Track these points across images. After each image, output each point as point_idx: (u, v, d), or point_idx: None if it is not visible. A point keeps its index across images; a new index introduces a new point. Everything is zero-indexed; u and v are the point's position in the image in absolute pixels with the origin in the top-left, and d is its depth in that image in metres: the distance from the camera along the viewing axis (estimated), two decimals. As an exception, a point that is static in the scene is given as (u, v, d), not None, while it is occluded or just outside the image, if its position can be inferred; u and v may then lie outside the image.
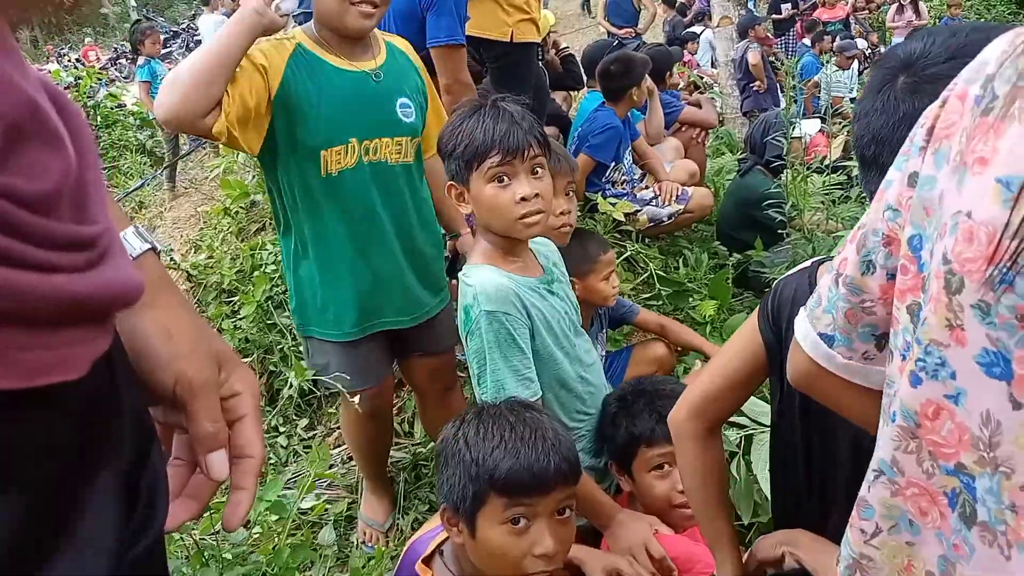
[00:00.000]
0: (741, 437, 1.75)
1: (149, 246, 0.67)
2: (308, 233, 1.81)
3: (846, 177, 3.85)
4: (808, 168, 3.62)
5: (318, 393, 2.57)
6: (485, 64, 3.38)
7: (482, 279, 1.49)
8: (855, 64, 8.11)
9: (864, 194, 3.14)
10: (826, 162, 3.92)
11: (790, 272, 1.18)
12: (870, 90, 0.97)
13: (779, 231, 3.23)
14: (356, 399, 1.85)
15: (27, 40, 28.04)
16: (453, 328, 2.17)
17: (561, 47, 4.08)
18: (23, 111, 0.43)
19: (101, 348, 0.49)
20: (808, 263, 1.16)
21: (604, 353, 2.44)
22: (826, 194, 3.53)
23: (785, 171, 3.44)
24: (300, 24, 3.24)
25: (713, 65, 8.82)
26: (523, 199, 1.46)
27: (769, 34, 8.94)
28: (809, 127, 3.98)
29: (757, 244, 3.28)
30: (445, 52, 2.37)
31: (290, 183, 1.78)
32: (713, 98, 6.90)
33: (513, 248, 1.58)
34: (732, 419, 1.62)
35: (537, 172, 1.51)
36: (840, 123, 5.04)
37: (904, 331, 0.66)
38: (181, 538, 1.57)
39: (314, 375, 1.91)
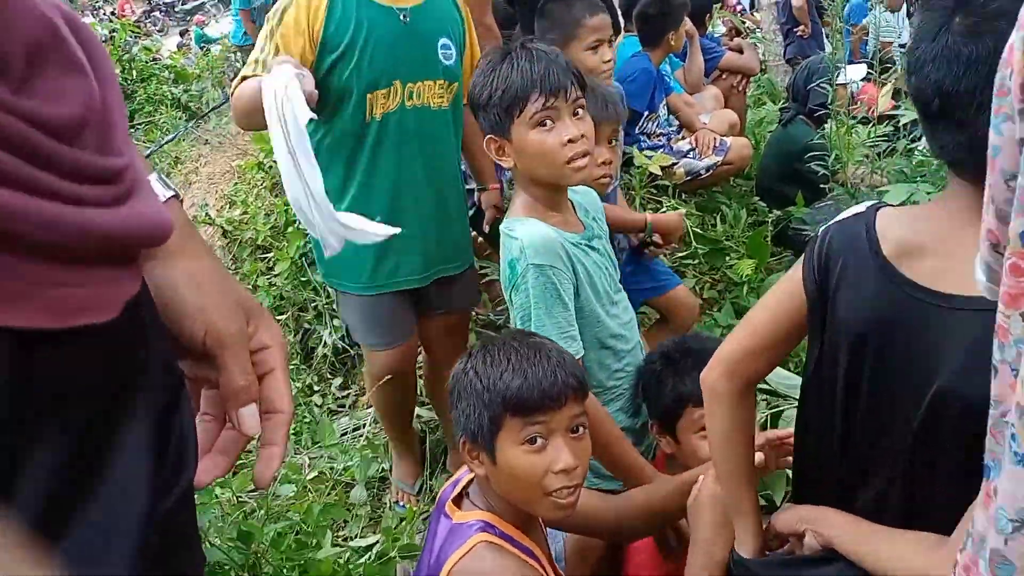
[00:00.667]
0: (767, 415, 1.71)
1: (172, 193, 0.65)
2: (344, 178, 1.79)
3: (893, 128, 3.70)
4: (854, 118, 3.48)
5: (351, 352, 2.59)
6: (516, 6, 3.29)
7: (529, 231, 1.46)
8: (904, 5, 7.76)
9: (912, 147, 3.01)
10: (874, 112, 3.76)
11: (840, 218, 1.09)
12: (923, 35, 0.90)
13: (821, 185, 3.13)
14: (379, 356, 1.86)
15: (63, -8, 28.27)
16: (473, 288, 2.16)
17: None
18: (43, 31, 0.41)
19: (131, 291, 0.48)
20: (862, 207, 1.07)
21: None
22: (872, 146, 3.40)
23: (829, 121, 3.31)
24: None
25: (754, 8, 8.52)
26: (570, 141, 1.42)
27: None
28: (855, 73, 3.80)
29: (798, 200, 3.18)
30: None
31: (330, 126, 1.76)
32: (755, 43, 6.67)
33: (556, 201, 1.54)
34: (759, 389, 1.58)
35: (579, 113, 1.46)
36: (890, 69, 4.84)
37: (1018, 343, 0.55)
38: (215, 494, 1.60)
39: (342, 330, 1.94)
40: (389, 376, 1.91)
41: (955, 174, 0.96)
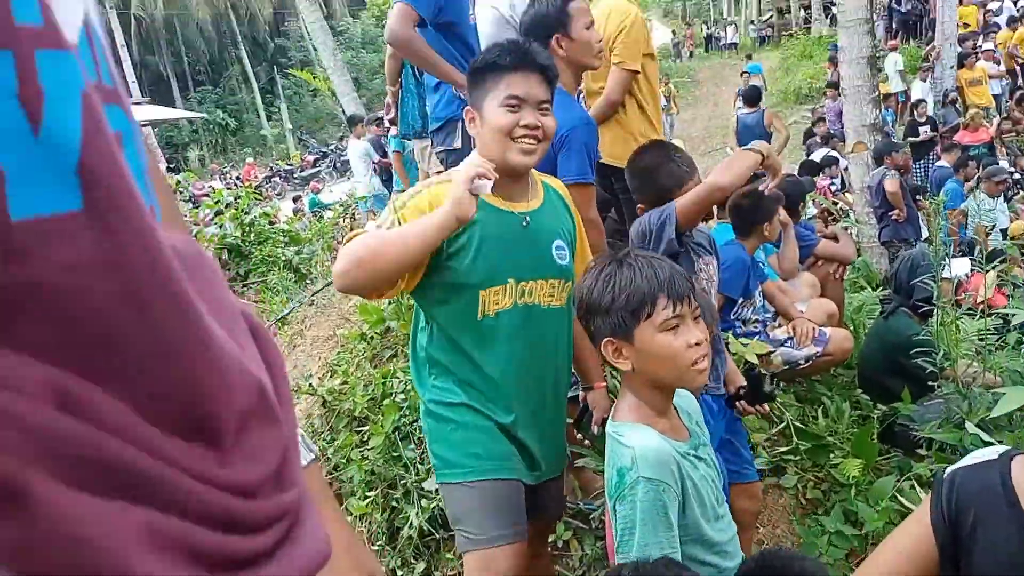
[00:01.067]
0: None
1: (313, 456, 0.70)
2: (454, 374, 1.80)
3: (1002, 321, 3.57)
4: (960, 311, 3.38)
5: (437, 536, 2.55)
6: (616, 193, 3.46)
7: (643, 442, 1.45)
8: (1002, 191, 7.71)
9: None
10: (980, 304, 3.66)
11: (968, 463, 1.05)
12: None
13: (929, 383, 3.01)
14: (502, 554, 1.72)
15: (195, 159, 31.34)
16: (562, 495, 2.09)
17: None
18: (253, 395, 0.44)
19: None
20: (992, 454, 1.03)
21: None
22: (980, 339, 3.27)
23: (934, 314, 3.23)
24: (443, 162, 3.46)
25: (844, 188, 8.62)
26: (696, 344, 1.45)
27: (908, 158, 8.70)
28: (959, 267, 3.74)
29: (904, 396, 3.06)
30: (574, 190, 2.41)
31: (444, 323, 1.78)
32: (847, 227, 6.70)
33: (666, 406, 1.55)
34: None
35: (697, 318, 1.50)
36: (995, 257, 4.74)
37: None
38: None
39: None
40: None
41: None
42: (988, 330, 3.25)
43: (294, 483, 0.49)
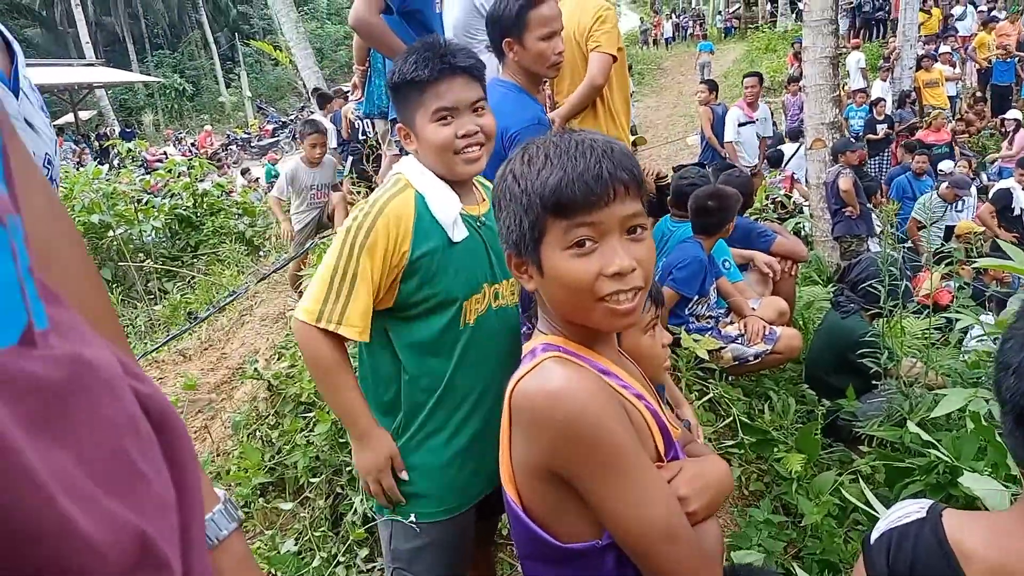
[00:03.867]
0: None
1: (236, 524, 0.67)
2: (430, 385, 1.67)
3: (945, 321, 3.66)
4: (907, 311, 3.45)
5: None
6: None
7: None
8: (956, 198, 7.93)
9: (967, 346, 2.94)
10: (926, 298, 3.73)
11: (897, 522, 0.98)
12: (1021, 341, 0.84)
13: (874, 382, 3.06)
14: None
15: (151, 123, 30.48)
16: None
17: (661, 175, 4.07)
18: (132, 555, 0.39)
19: None
20: (920, 510, 0.96)
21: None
22: (924, 338, 3.34)
23: (883, 317, 3.29)
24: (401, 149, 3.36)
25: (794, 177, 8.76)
26: None
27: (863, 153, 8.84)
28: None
29: (849, 392, 3.11)
30: None
31: (421, 335, 1.65)
32: (801, 221, 6.80)
33: None
34: None
35: None
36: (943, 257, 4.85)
37: None
38: None
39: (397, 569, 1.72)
40: None
41: None
42: (932, 330, 3.32)
43: None
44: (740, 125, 7.69)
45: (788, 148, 9.65)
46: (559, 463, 1.00)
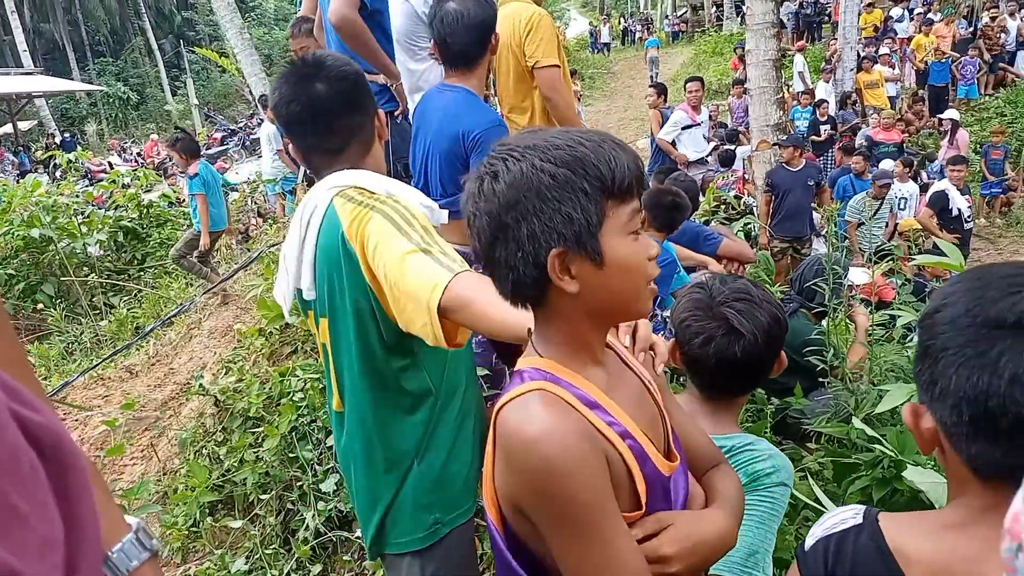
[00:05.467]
0: None
1: (148, 554, 0.64)
2: (450, 399, 1.65)
3: (888, 317, 3.75)
4: (849, 310, 3.53)
5: (333, 537, 2.48)
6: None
7: None
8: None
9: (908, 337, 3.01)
10: (873, 295, 3.83)
11: (832, 529, 0.97)
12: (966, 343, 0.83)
13: (820, 380, 3.13)
14: None
15: (94, 133, 29.68)
16: None
17: None
18: None
19: None
20: (856, 516, 0.96)
21: None
22: (869, 334, 3.43)
23: (828, 316, 3.36)
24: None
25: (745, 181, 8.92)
26: None
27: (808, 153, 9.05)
28: (857, 276, 3.92)
29: (797, 391, 3.17)
30: None
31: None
32: (749, 223, 6.92)
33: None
34: None
35: None
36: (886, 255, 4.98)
37: None
38: None
39: None
40: None
41: (980, 481, 0.85)
42: (875, 326, 3.41)
43: None
44: (684, 128, 7.81)
45: (741, 150, 9.83)
46: (527, 507, 0.97)
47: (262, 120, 9.82)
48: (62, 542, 0.41)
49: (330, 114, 1.56)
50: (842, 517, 0.97)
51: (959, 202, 7.40)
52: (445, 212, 1.69)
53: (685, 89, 8.31)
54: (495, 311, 1.26)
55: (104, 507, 0.58)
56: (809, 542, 0.98)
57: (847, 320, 3.39)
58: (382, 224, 1.45)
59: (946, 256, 2.45)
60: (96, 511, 0.46)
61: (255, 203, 8.89)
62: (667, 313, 3.40)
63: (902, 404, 2.62)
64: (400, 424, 1.59)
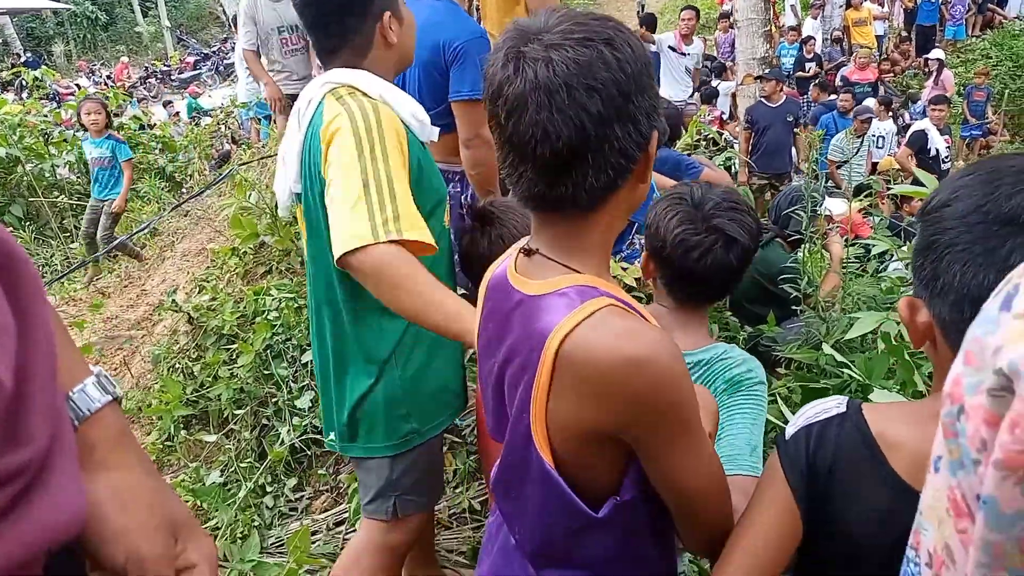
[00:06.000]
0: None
1: (110, 397, 0.64)
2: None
3: (864, 250, 3.78)
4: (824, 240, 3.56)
5: (309, 452, 2.50)
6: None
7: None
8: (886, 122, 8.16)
9: (881, 269, 3.05)
10: (846, 231, 3.85)
11: (815, 418, 0.97)
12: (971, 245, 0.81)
13: (793, 307, 3.16)
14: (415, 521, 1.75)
15: (61, 54, 28.65)
16: None
17: None
18: None
19: None
20: (840, 406, 0.96)
21: None
22: (844, 267, 3.46)
23: (804, 245, 3.38)
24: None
25: (733, 118, 8.85)
26: None
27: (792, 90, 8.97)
28: (834, 206, 3.93)
29: (770, 319, 3.20)
30: (467, 106, 2.32)
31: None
32: (731, 157, 6.89)
33: None
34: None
35: None
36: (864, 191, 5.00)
37: None
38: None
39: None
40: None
41: None
42: (851, 259, 3.44)
43: (32, 438, 0.44)
44: (669, 48, 7.60)
45: (724, 86, 9.70)
46: (630, 428, 0.92)
47: (232, 37, 9.50)
48: (13, 330, 0.41)
49: (324, 15, 1.58)
50: (824, 407, 0.97)
51: (938, 142, 7.41)
52: (436, 130, 1.68)
53: (679, 16, 8.11)
54: (413, 296, 1.34)
55: (65, 349, 0.57)
56: (790, 431, 0.98)
57: (822, 250, 3.41)
58: (347, 145, 1.44)
59: (925, 188, 2.46)
60: (49, 315, 0.46)
61: (228, 129, 8.67)
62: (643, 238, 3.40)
63: (871, 331, 2.68)
64: (377, 320, 1.59)
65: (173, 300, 2.85)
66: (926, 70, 11.31)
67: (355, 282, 1.49)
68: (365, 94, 1.53)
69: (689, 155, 4.93)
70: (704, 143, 7.13)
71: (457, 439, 2.50)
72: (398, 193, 1.41)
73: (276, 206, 2.79)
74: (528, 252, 0.98)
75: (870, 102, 9.10)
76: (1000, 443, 0.46)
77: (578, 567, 1.04)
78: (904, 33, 13.20)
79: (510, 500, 1.08)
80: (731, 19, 9.60)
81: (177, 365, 2.82)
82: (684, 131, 5.43)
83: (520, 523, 1.08)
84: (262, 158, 3.91)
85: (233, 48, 13.14)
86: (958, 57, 12.20)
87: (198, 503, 2.40)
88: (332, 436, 1.72)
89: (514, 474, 1.03)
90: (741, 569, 0.96)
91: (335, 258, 1.40)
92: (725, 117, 9.10)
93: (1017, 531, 0.47)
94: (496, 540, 1.18)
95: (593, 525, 0.98)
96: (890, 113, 8.74)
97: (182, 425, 2.67)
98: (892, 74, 11.45)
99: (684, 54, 7.68)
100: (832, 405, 0.96)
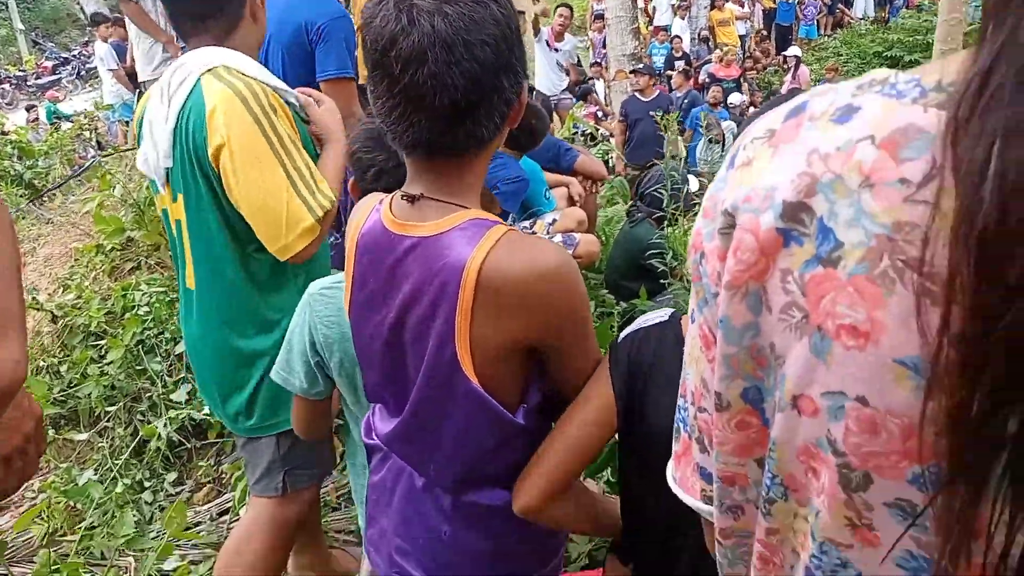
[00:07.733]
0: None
1: None
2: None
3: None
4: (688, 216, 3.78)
5: (188, 445, 2.46)
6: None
7: None
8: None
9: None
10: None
11: (644, 323, 1.10)
12: None
13: (662, 281, 3.35)
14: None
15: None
16: None
17: None
18: None
19: None
20: (659, 317, 1.09)
21: None
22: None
23: (668, 221, 3.59)
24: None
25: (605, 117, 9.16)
26: None
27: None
28: (692, 184, 4.18)
29: (642, 293, 3.38)
30: (335, 85, 2.34)
31: None
32: (608, 150, 7.15)
33: None
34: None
35: None
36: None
37: (756, 486, 0.63)
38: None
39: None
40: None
41: None
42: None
43: None
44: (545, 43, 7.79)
45: (599, 86, 10.02)
46: (548, 335, 1.00)
47: (93, 40, 9.02)
48: None
49: None
50: (652, 316, 1.09)
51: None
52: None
53: (555, 13, 8.31)
54: None
55: None
56: (621, 336, 1.11)
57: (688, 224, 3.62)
58: (248, 130, 1.46)
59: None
60: None
61: (93, 133, 8.22)
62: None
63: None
64: (267, 295, 1.61)
65: (35, 298, 2.72)
66: (785, 66, 12.07)
67: (246, 255, 1.54)
68: (243, 74, 1.54)
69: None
70: (581, 137, 7.38)
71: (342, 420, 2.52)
72: (313, 169, 1.52)
73: (143, 200, 2.72)
74: (412, 198, 1.02)
75: (737, 97, 9.65)
76: (727, 268, 0.56)
77: (495, 484, 1.12)
78: (764, 32, 14.03)
79: (419, 441, 1.13)
80: (604, 20, 9.94)
81: (42, 364, 2.70)
82: (562, 123, 5.57)
83: (435, 458, 1.12)
84: (127, 150, 3.77)
85: (95, 52, 12.44)
86: (812, 55, 13.10)
87: (71, 504, 2.32)
88: (219, 416, 1.72)
89: (431, 409, 1.08)
90: (558, 454, 1.08)
91: (279, 245, 1.48)
92: (600, 114, 9.42)
93: (746, 341, 0.57)
94: (395, 492, 1.20)
95: (512, 435, 1.08)
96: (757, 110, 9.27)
97: (50, 425, 2.56)
98: (755, 71, 12.16)
99: (556, 50, 7.90)
100: (658, 315, 1.09)
